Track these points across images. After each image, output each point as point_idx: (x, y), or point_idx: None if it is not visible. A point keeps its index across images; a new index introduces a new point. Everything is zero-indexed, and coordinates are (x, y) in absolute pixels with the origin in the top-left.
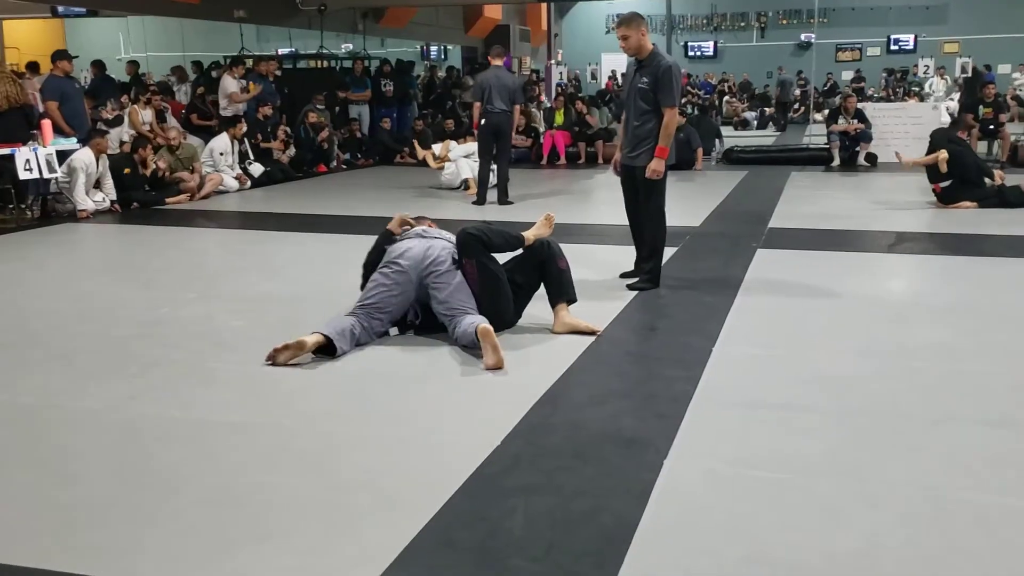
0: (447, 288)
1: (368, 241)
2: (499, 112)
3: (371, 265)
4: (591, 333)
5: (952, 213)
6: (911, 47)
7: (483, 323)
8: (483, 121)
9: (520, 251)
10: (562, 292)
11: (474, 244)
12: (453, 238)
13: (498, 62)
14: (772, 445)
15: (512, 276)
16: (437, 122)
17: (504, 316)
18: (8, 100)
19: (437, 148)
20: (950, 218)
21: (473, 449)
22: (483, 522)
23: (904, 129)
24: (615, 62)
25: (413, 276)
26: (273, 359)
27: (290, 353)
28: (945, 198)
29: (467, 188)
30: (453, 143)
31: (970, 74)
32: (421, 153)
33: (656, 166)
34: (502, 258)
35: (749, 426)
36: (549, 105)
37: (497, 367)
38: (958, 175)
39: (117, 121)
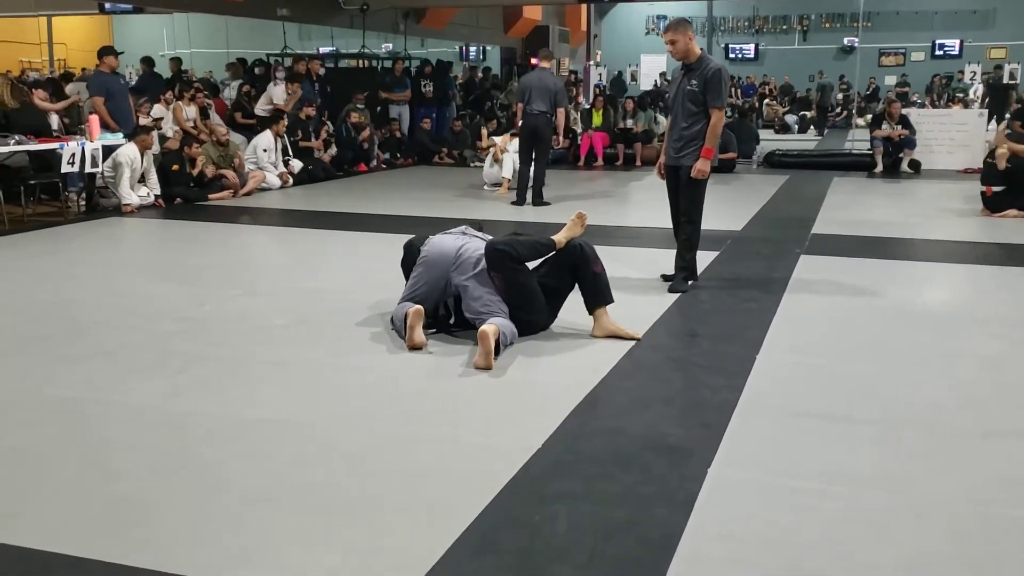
0: (478, 289)
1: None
2: (537, 114)
3: (407, 265)
4: (632, 339)
5: (999, 223)
6: (956, 52)
7: (487, 326)
8: (522, 123)
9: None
10: (599, 297)
11: (501, 259)
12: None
13: (544, 64)
14: (817, 456)
15: (544, 280)
16: (476, 123)
17: (537, 322)
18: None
19: (498, 140)
20: (996, 227)
21: (513, 453)
22: (524, 527)
23: (949, 136)
24: (655, 63)
25: (440, 267)
26: (413, 342)
27: (419, 325)
28: (993, 205)
29: (500, 186)
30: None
31: (1018, 80)
32: (487, 142)
33: (702, 166)
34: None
35: (794, 436)
36: (587, 106)
37: (484, 368)
38: (1017, 182)
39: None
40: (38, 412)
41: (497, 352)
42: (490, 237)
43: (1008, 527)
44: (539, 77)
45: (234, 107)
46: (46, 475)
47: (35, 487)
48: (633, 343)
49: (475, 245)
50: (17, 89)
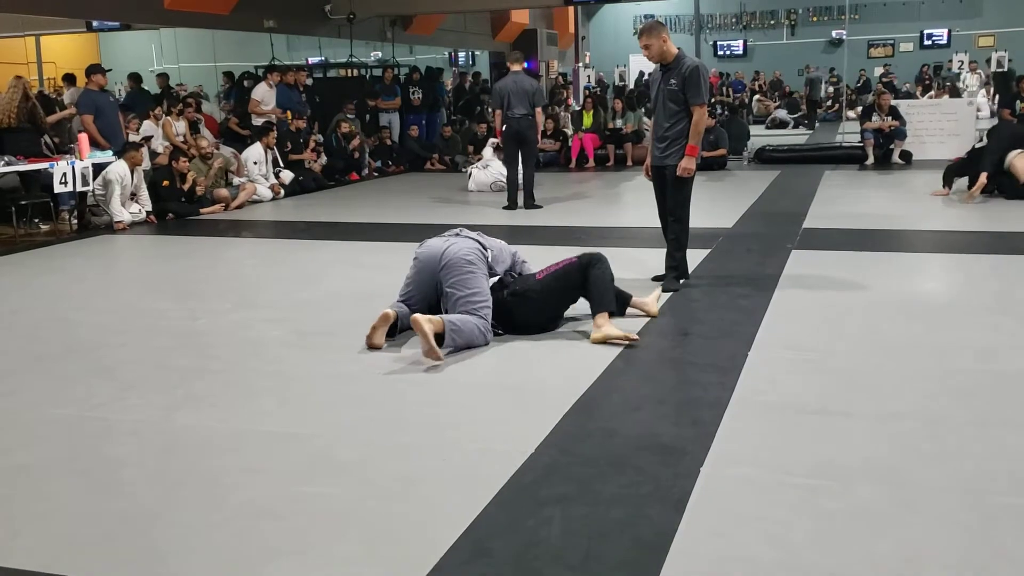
0: (463, 289)
1: (402, 248)
2: (519, 117)
3: None
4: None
5: (990, 211)
6: (944, 42)
7: (420, 315)
8: (505, 128)
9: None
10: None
11: (596, 266)
12: (485, 240)
13: (517, 68)
14: (810, 451)
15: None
16: (466, 128)
17: (532, 325)
18: (8, 117)
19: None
20: (988, 216)
21: (507, 457)
22: (519, 531)
23: (939, 126)
24: (644, 64)
25: (428, 271)
26: (371, 342)
27: (383, 329)
28: (948, 177)
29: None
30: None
31: (1005, 68)
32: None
33: (687, 164)
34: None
35: (786, 432)
36: (577, 108)
37: (428, 356)
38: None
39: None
40: (37, 431)
41: (440, 343)
42: (484, 238)
43: (1002, 516)
44: (514, 81)
45: (231, 113)
46: (45, 494)
47: (34, 506)
48: (626, 344)
49: (462, 245)
50: (25, 101)
